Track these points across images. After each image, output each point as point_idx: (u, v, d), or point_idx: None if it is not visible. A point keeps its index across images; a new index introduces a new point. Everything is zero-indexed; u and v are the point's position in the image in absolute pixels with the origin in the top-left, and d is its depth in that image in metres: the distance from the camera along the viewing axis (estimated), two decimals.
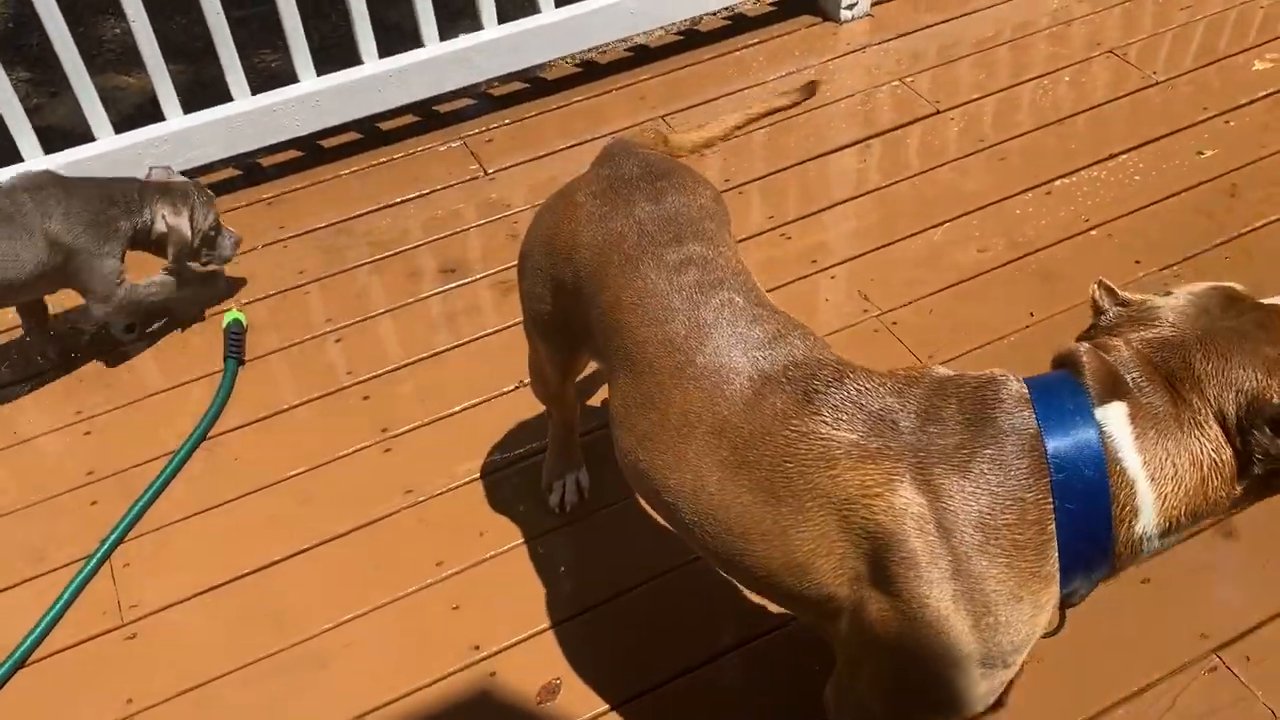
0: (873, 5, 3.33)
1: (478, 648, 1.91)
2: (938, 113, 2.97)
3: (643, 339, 1.44)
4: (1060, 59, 3.10)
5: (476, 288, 2.58)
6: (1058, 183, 2.73)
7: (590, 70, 3.20)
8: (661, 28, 3.24)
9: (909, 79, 3.09)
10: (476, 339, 2.45)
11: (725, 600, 1.93)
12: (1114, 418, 1.17)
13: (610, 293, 1.50)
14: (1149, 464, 1.16)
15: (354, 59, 2.85)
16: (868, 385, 1.28)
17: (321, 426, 2.29)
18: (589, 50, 3.18)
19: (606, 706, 1.79)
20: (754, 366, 1.35)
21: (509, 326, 2.46)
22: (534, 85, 3.16)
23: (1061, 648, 1.83)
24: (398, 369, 2.40)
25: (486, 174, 2.89)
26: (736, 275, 1.47)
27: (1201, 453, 1.16)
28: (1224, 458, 1.16)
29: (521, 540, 2.07)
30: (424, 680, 1.86)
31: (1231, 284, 1.25)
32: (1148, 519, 1.17)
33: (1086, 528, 1.17)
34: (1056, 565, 1.19)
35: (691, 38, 3.29)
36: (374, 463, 2.22)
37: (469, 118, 3.06)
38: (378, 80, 2.86)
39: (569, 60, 3.21)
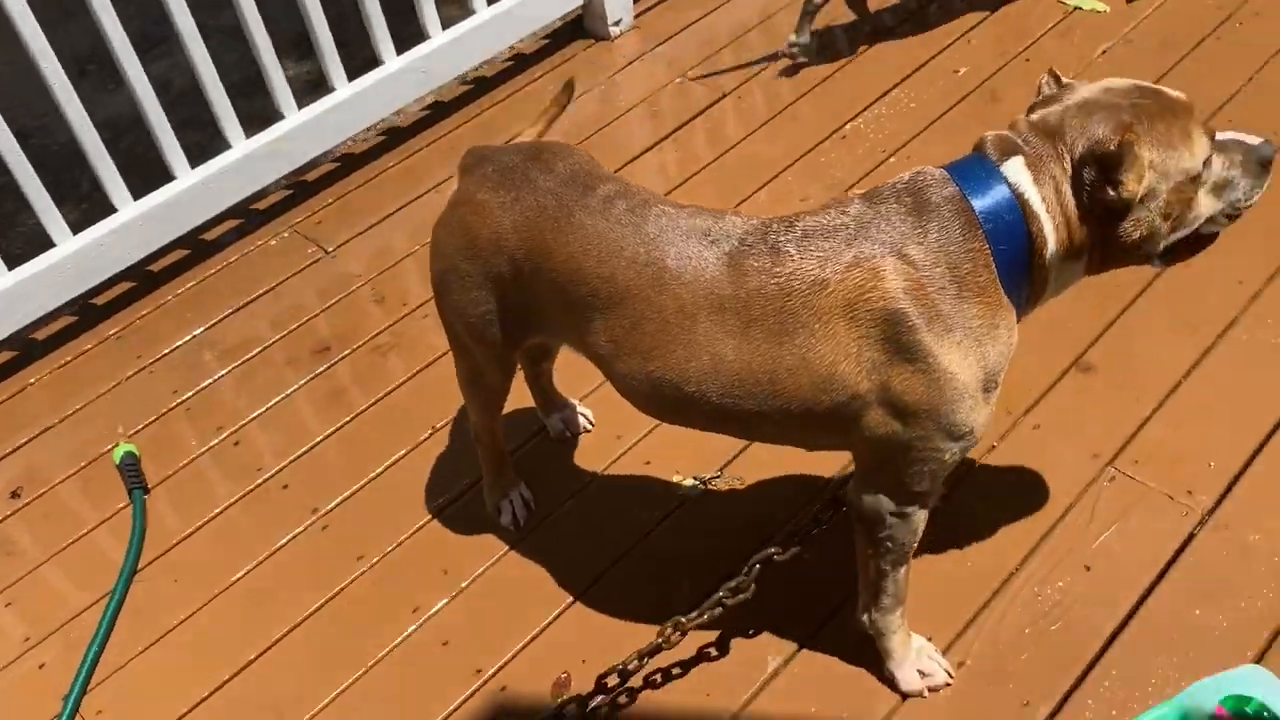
0: (636, 17, 3.58)
1: (479, 671, 1.97)
2: (724, 96, 3.23)
3: (609, 274, 1.60)
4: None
5: (357, 356, 2.62)
6: (848, 126, 3.03)
7: (395, 135, 3.30)
8: (449, 82, 3.37)
9: (689, 72, 3.34)
10: (376, 402, 2.50)
11: (682, 557, 2.08)
12: (1014, 168, 1.47)
13: (557, 257, 1.64)
14: (1045, 200, 1.46)
15: (164, 176, 2.85)
16: (817, 218, 1.54)
17: (251, 525, 2.29)
18: (389, 117, 3.27)
19: (619, 680, 1.88)
20: (717, 248, 1.56)
21: (405, 381, 2.53)
22: (345, 161, 3.23)
23: (989, 496, 2.08)
24: (308, 451, 2.42)
25: (328, 253, 2.94)
26: (650, 193, 1.67)
27: (1066, 192, 1.46)
28: (1068, 195, 1.47)
29: (486, 564, 2.14)
30: (438, 715, 1.91)
31: (1137, 81, 1.52)
32: (1052, 244, 1.48)
33: (1016, 260, 1.48)
34: (1005, 299, 1.50)
35: (481, 84, 3.43)
36: (316, 542, 2.24)
37: (293, 206, 3.10)
38: (193, 192, 2.87)
39: (371, 131, 3.29)
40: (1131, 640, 1.84)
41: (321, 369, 2.61)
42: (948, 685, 1.82)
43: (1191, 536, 1.98)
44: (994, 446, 2.17)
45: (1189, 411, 2.17)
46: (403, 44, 3.16)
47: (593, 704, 1.84)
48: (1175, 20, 3.14)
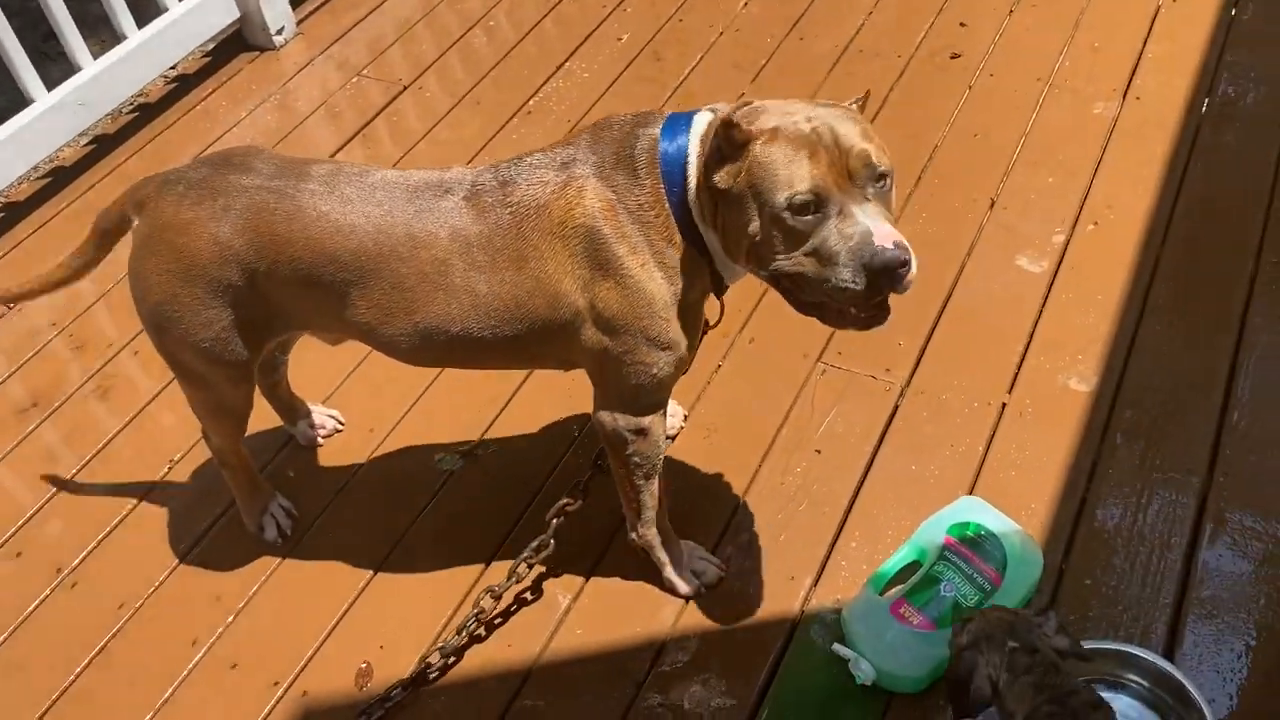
0: (299, 24, 3.53)
1: (276, 683, 1.94)
2: (405, 89, 3.26)
3: (356, 246, 1.64)
4: (476, 13, 3.50)
5: (69, 408, 2.46)
6: (531, 102, 3.15)
7: (61, 175, 3.09)
8: (111, 112, 3.19)
9: (364, 72, 3.34)
10: (105, 446, 2.36)
11: (457, 528, 2.13)
12: (699, 123, 1.60)
13: (296, 246, 1.65)
14: (696, 163, 1.59)
15: None
16: (542, 152, 1.66)
17: None
18: (51, 156, 3.06)
19: (419, 665, 1.91)
20: (454, 195, 1.65)
21: (133, 419, 2.40)
22: (8, 211, 2.99)
23: (725, 407, 2.27)
24: (37, 512, 2.26)
25: (10, 309, 2.72)
26: (365, 165, 1.73)
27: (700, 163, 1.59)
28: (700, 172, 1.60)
29: (259, 582, 2.09)
30: None
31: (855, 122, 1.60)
32: (692, 201, 1.60)
33: (679, 201, 1.60)
34: (679, 234, 1.62)
35: (146, 111, 3.27)
36: (68, 602, 2.10)
37: None
38: None
39: (33, 174, 3.06)
40: (866, 503, 2.09)
41: (31, 429, 2.42)
42: (721, 579, 1.99)
43: (897, 407, 2.25)
44: (719, 365, 2.37)
45: None
46: (55, 77, 2.97)
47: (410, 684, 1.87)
48: None
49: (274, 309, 1.75)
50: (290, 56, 3.44)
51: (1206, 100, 2.85)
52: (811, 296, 1.55)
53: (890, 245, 1.44)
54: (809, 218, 1.47)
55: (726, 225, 1.57)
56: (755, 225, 1.51)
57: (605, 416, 1.78)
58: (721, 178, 1.52)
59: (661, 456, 1.85)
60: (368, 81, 3.31)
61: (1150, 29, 3.07)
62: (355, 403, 2.38)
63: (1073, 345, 2.32)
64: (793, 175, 1.46)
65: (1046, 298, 2.42)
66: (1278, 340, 2.29)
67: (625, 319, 1.64)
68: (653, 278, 1.62)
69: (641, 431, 1.78)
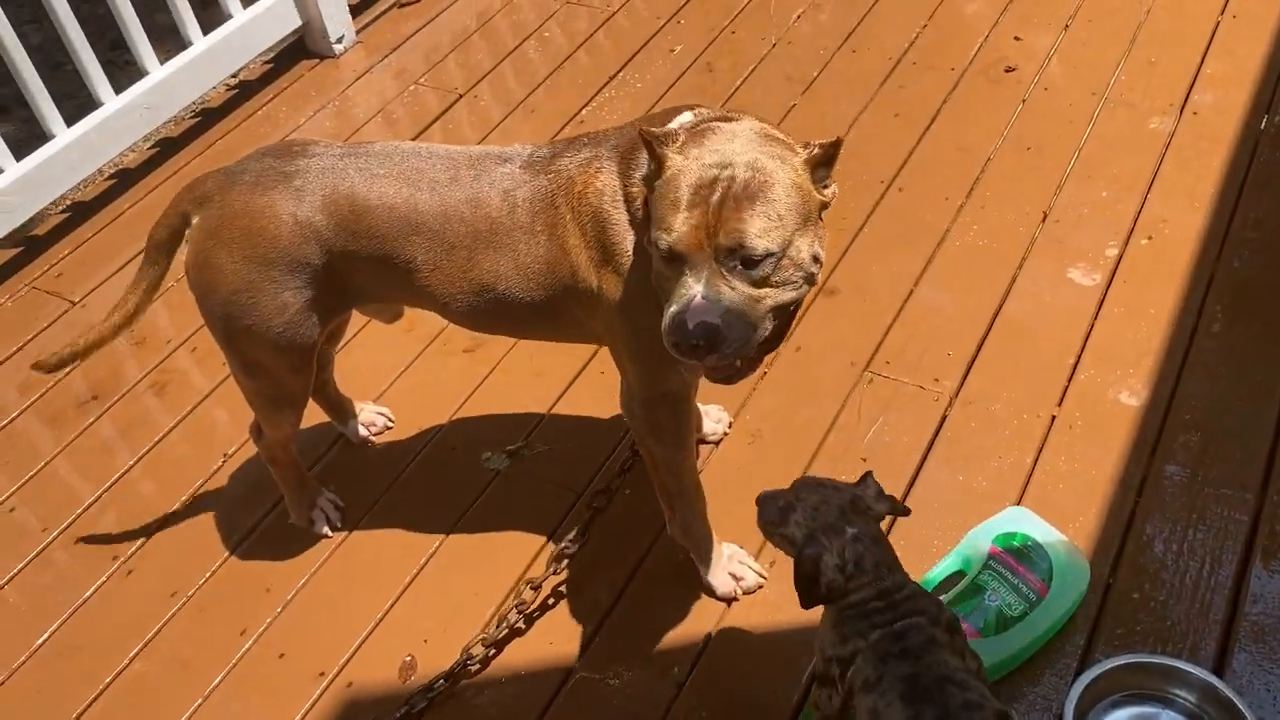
0: (359, 32, 3.60)
1: (322, 674, 1.97)
2: (460, 97, 3.31)
3: (424, 208, 1.72)
4: (531, 24, 3.56)
5: (128, 402, 2.52)
6: (584, 112, 3.19)
7: (126, 177, 3.17)
8: (175, 116, 3.28)
9: (421, 81, 3.40)
10: (162, 439, 2.42)
11: (502, 526, 2.16)
12: (679, 121, 1.63)
13: (374, 214, 1.73)
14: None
15: None
16: (595, 132, 1.73)
17: (50, 584, 2.17)
18: (116, 159, 3.15)
19: (462, 657, 1.93)
20: (509, 164, 1.73)
21: (189, 414, 2.46)
22: (76, 210, 3.08)
23: (770, 415, 2.27)
24: (95, 501, 2.32)
25: (75, 304, 2.80)
26: (422, 143, 1.81)
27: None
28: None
29: (308, 575, 2.13)
30: None
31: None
32: None
33: None
34: None
35: (208, 116, 3.36)
36: (123, 589, 2.15)
37: (27, 263, 2.93)
38: None
39: (100, 175, 3.15)
40: (914, 511, 2.07)
41: (90, 422, 2.49)
42: (760, 586, 1.99)
43: (945, 417, 2.24)
44: (765, 373, 2.37)
45: (923, 313, 2.45)
46: (122, 84, 3.06)
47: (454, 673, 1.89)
48: None
49: (346, 283, 1.80)
50: (349, 64, 3.51)
51: (1266, 118, 2.81)
52: None
53: (694, 324, 1.43)
54: (671, 263, 1.49)
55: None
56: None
57: (625, 406, 1.81)
58: (635, 181, 1.62)
59: (685, 447, 1.84)
60: (424, 89, 3.36)
61: (1209, 45, 3.04)
62: (405, 401, 2.42)
63: (1124, 359, 2.29)
64: (664, 219, 1.48)
65: (1098, 311, 2.40)
66: None
67: (625, 308, 1.67)
68: (643, 269, 1.63)
69: (656, 423, 1.78)
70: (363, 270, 1.77)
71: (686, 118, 1.63)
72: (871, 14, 3.36)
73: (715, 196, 1.45)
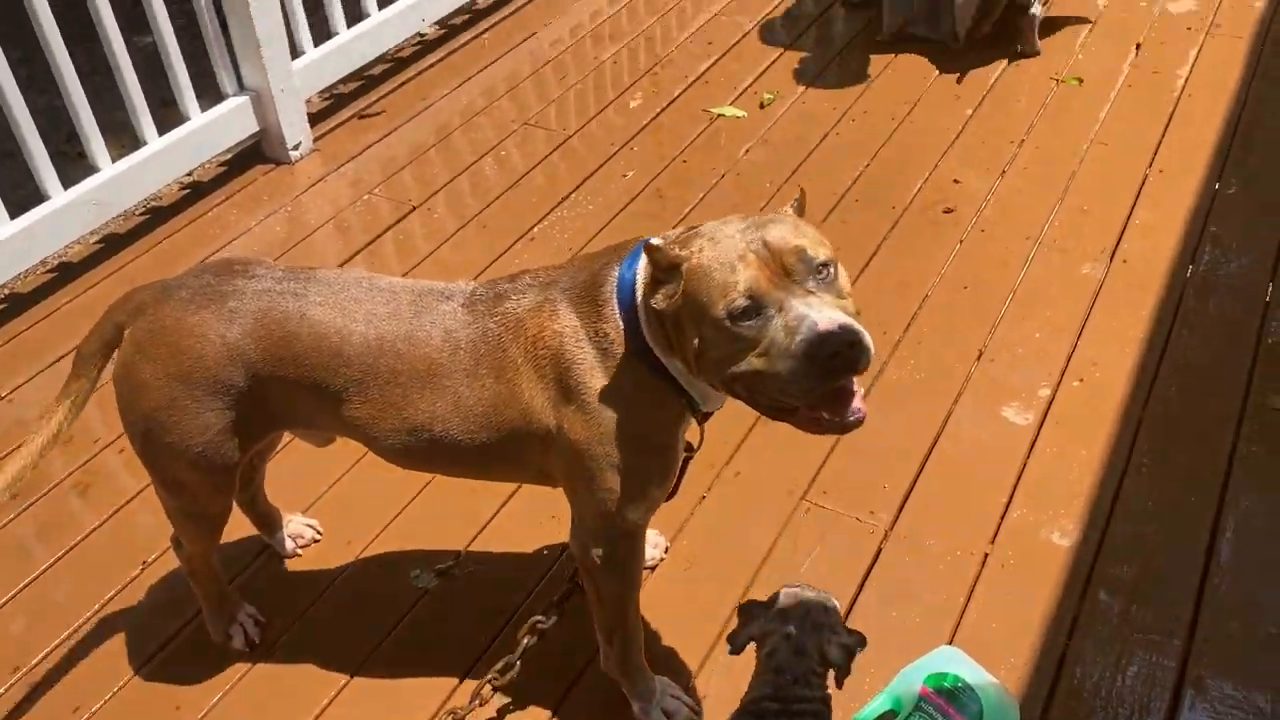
0: (316, 140, 3.64)
1: None
2: (414, 209, 3.35)
3: (360, 342, 1.70)
4: (489, 142, 3.63)
5: (48, 501, 2.44)
6: (535, 229, 3.23)
7: (67, 271, 3.14)
8: (124, 213, 3.26)
9: (375, 191, 3.44)
10: (79, 543, 2.34)
11: (429, 649, 2.09)
12: (645, 257, 1.60)
13: (304, 344, 1.70)
14: (641, 293, 1.61)
15: None
16: (537, 272, 1.73)
17: None
18: (60, 251, 3.12)
19: None
20: (454, 301, 1.72)
21: (111, 517, 2.39)
22: (12, 302, 3.03)
23: (707, 540, 2.26)
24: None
25: (2, 398, 2.73)
26: (368, 272, 1.80)
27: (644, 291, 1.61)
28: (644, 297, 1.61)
29: (221, 693, 2.04)
30: None
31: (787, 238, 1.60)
32: (645, 332, 1.61)
33: (634, 331, 1.62)
34: (641, 358, 1.63)
35: (158, 215, 3.35)
36: (24, 703, 2.04)
37: None
38: None
39: (41, 268, 3.11)
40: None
41: (6, 522, 2.40)
42: None
43: (880, 551, 2.25)
44: (704, 497, 2.37)
45: (861, 443, 2.46)
46: (74, 177, 3.05)
47: None
48: (802, 120, 3.63)
49: (271, 408, 1.77)
50: (305, 171, 3.54)
51: (1191, 267, 2.92)
52: (772, 399, 1.51)
53: (835, 328, 1.42)
54: (751, 322, 1.47)
55: (679, 345, 1.58)
56: (699, 341, 1.51)
57: (578, 542, 1.78)
58: (658, 300, 1.54)
59: (635, 585, 1.83)
60: (378, 200, 3.39)
61: (1138, 197, 3.18)
62: (335, 514, 2.37)
63: (1056, 499, 2.32)
64: (726, 283, 1.47)
65: (1031, 450, 2.44)
66: (1257, 506, 2.30)
67: (590, 445, 1.66)
68: (615, 405, 1.64)
69: (613, 560, 1.76)
70: (289, 397, 1.75)
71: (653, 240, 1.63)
72: (818, 150, 3.47)
73: (756, 244, 1.48)
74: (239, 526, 2.19)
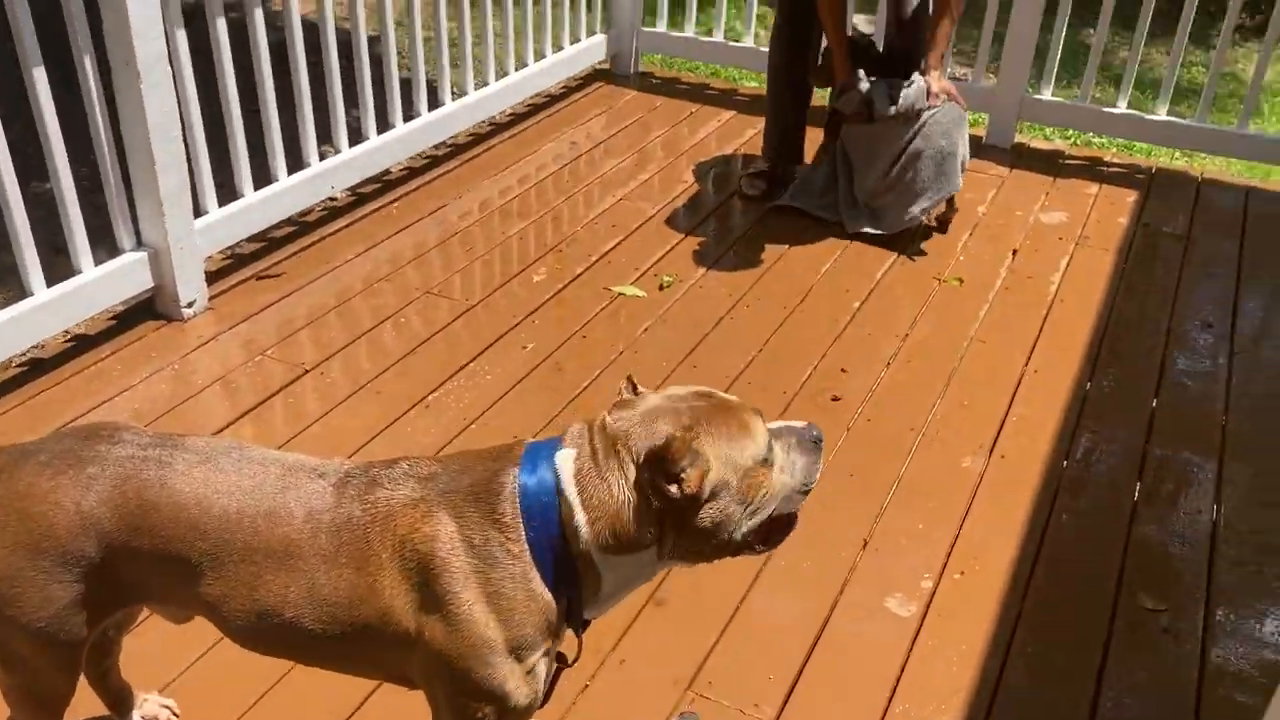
0: (212, 299, 3.61)
1: None
2: (307, 372, 3.31)
3: (219, 515, 1.62)
4: (390, 309, 3.65)
5: None
6: (431, 397, 3.22)
7: None
8: (3, 363, 3.15)
9: (269, 352, 3.40)
10: None
11: None
12: (563, 462, 1.59)
13: (162, 514, 1.62)
14: (581, 495, 1.56)
15: None
16: (415, 462, 1.67)
17: None
18: None
19: None
20: (324, 480, 1.65)
21: None
22: None
23: None
24: None
25: None
26: (243, 442, 1.74)
27: (621, 490, 1.55)
28: (631, 496, 1.55)
29: None
30: None
31: (698, 387, 1.68)
32: (585, 537, 1.57)
33: (546, 539, 1.58)
34: (534, 567, 1.58)
35: (38, 366, 3.24)
36: None
37: None
38: None
39: None
40: None
41: None
42: None
43: None
44: (587, 685, 2.30)
45: (748, 631, 2.46)
46: None
47: None
48: (700, 303, 3.74)
49: (125, 581, 1.67)
50: (196, 329, 3.48)
51: (1065, 463, 3.05)
52: (784, 509, 1.68)
53: (801, 424, 1.70)
54: (774, 450, 1.64)
55: (694, 527, 1.56)
56: (734, 494, 1.57)
57: None
58: (690, 484, 1.52)
59: None
60: (271, 361, 3.35)
61: (1015, 393, 3.33)
62: (195, 694, 2.23)
63: (937, 694, 2.32)
64: (747, 428, 1.60)
65: (913, 643, 2.45)
66: (1130, 704, 2.33)
67: (453, 657, 1.58)
68: (487, 621, 1.56)
69: None
70: (144, 570, 1.67)
71: (569, 453, 1.60)
72: (714, 332, 3.57)
73: (710, 402, 1.64)
74: (90, 704, 2.04)
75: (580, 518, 1.56)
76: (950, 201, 4.19)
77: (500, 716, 1.62)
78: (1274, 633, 2.53)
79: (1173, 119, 4.80)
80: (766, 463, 1.60)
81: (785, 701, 2.29)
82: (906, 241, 4.12)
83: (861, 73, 3.97)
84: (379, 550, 1.60)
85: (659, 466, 1.52)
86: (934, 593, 2.59)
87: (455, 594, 1.57)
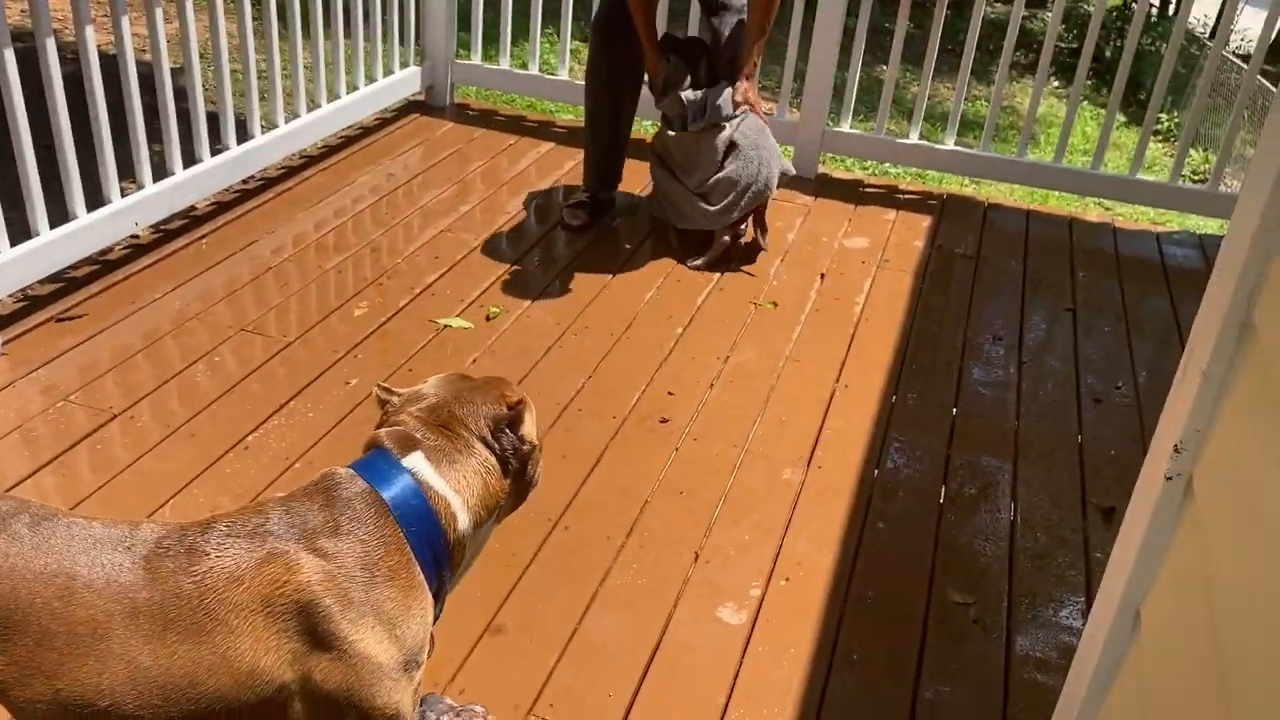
0: (6, 344, 3.39)
1: None
2: (114, 417, 3.15)
3: (8, 591, 1.50)
4: (202, 348, 3.52)
5: None
6: (250, 438, 3.12)
7: None
8: None
9: (72, 398, 3.22)
10: None
11: None
12: (418, 462, 1.67)
13: None
14: (450, 482, 1.67)
15: None
16: (233, 520, 1.61)
17: None
18: None
19: None
20: (132, 553, 1.55)
21: None
22: None
23: None
24: None
25: None
26: (53, 507, 1.63)
27: (479, 465, 1.71)
28: (490, 464, 1.73)
29: None
30: None
31: (441, 375, 1.88)
32: (463, 519, 1.68)
33: (429, 539, 1.65)
34: (421, 574, 1.64)
35: None
36: None
37: None
38: None
39: None
40: None
41: None
42: None
43: None
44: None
45: (586, 651, 2.49)
46: None
47: None
48: (528, 333, 3.77)
49: None
50: None
51: (877, 470, 3.23)
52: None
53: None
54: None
55: (525, 482, 1.85)
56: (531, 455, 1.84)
57: None
58: (533, 436, 1.81)
59: None
60: (74, 407, 3.17)
61: (828, 408, 3.50)
62: None
63: (770, 698, 2.42)
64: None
65: (745, 650, 2.54)
66: (946, 694, 2.49)
67: (348, 691, 1.57)
68: (382, 642, 1.59)
69: None
70: None
71: (417, 455, 1.70)
72: (543, 361, 3.61)
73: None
74: None
75: (456, 503, 1.68)
76: (762, 222, 4.40)
77: None
78: (1069, 618, 2.76)
79: (959, 149, 5.17)
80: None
81: (626, 716, 2.34)
82: (725, 266, 4.28)
83: (689, 79, 4.11)
84: (226, 617, 1.53)
85: (512, 428, 1.75)
86: (762, 600, 2.69)
87: (345, 633, 1.55)
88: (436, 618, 1.76)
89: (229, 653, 1.53)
